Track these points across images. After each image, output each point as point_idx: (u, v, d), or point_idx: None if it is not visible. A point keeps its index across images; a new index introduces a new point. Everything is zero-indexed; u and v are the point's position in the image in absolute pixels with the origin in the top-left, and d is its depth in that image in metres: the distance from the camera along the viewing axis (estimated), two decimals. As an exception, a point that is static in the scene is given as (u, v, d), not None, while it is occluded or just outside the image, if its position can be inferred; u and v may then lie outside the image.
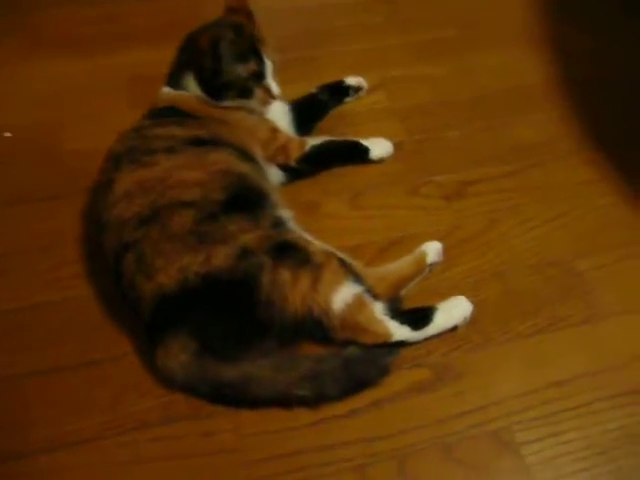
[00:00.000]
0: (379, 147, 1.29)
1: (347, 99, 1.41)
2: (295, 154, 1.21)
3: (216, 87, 1.15)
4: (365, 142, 1.28)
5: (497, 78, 1.51)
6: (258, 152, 1.17)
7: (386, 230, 1.18)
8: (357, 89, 1.42)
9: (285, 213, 1.07)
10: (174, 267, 0.92)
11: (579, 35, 1.64)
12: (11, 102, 1.43)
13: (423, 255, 1.08)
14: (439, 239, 1.13)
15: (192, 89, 1.17)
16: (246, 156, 1.12)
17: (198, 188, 0.99)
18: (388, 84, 1.48)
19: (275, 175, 1.21)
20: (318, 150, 1.23)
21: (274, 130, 1.22)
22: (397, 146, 1.31)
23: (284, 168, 1.22)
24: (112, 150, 1.09)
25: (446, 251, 1.12)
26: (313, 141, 1.24)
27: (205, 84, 1.15)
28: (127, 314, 0.99)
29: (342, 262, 1.00)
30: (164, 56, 1.23)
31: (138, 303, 0.94)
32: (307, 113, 1.34)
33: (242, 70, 1.14)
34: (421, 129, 1.37)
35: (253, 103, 1.18)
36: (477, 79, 1.52)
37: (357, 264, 1.03)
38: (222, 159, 1.05)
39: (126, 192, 0.99)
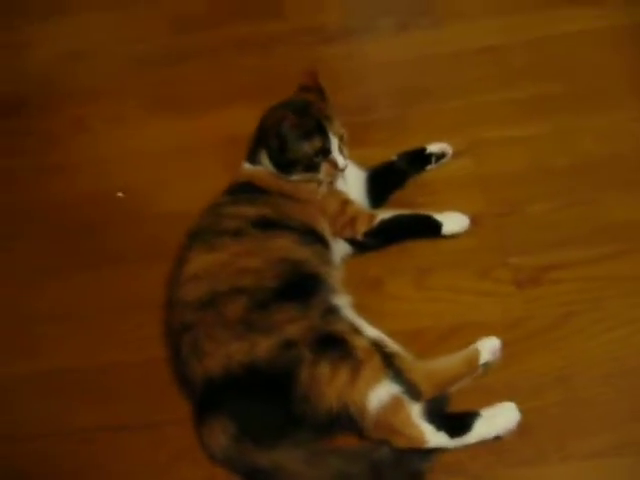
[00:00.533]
0: (453, 222, 1.25)
1: (429, 167, 1.38)
2: (362, 228, 1.22)
3: (284, 163, 1.21)
4: (438, 216, 1.25)
5: (604, 143, 1.38)
6: (326, 227, 1.21)
7: (449, 316, 1.15)
8: (440, 156, 1.38)
9: (340, 299, 1.09)
10: (221, 353, 0.98)
11: None
12: (128, 161, 1.60)
13: (476, 354, 1.03)
14: (503, 330, 1.08)
15: (266, 165, 1.24)
16: (311, 237, 1.16)
17: (254, 275, 1.05)
18: (478, 147, 1.42)
19: (341, 248, 1.24)
20: (387, 225, 1.23)
21: (344, 202, 1.24)
22: (474, 220, 1.26)
23: (351, 241, 1.24)
24: (192, 227, 1.20)
25: (508, 345, 1.07)
26: (383, 214, 1.25)
27: (274, 160, 1.22)
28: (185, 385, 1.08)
29: (386, 357, 1.00)
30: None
31: (190, 381, 1.02)
32: (384, 182, 1.34)
33: (307, 147, 1.19)
34: (503, 201, 1.30)
35: (321, 176, 1.21)
36: (581, 143, 1.39)
37: (406, 356, 1.02)
38: (283, 245, 1.10)
39: (194, 275, 1.08)
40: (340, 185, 1.26)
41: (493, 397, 0.99)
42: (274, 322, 1.00)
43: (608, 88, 1.50)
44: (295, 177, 1.22)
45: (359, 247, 1.24)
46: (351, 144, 1.29)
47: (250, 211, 1.16)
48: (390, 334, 1.07)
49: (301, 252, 1.11)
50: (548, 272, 1.17)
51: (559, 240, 1.22)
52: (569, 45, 1.63)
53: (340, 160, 1.20)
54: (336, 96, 1.33)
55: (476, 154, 1.41)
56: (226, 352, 0.98)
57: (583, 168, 1.34)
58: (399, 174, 1.36)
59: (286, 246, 1.10)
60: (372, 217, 1.24)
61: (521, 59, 1.63)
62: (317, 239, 1.17)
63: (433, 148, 1.38)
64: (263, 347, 0.97)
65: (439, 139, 1.41)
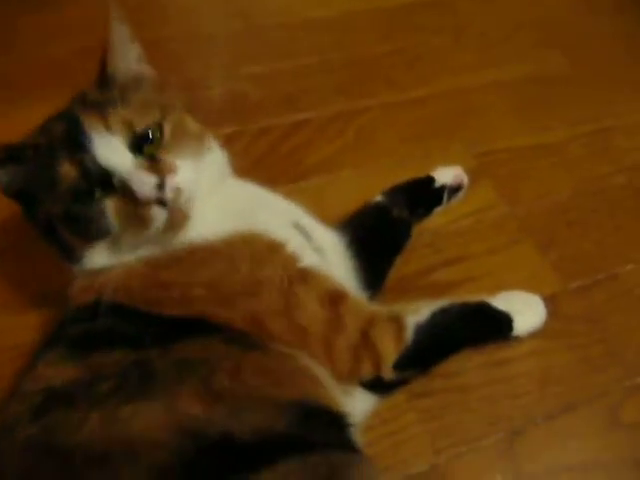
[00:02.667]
0: (527, 313, 0.67)
1: (438, 209, 0.78)
2: (392, 351, 0.56)
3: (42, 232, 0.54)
4: (499, 304, 0.65)
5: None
6: (322, 376, 0.53)
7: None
8: (454, 190, 0.78)
9: None
10: None
11: None
12: None
13: None
14: None
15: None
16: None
17: None
18: (491, 167, 0.85)
19: (359, 406, 0.57)
20: (428, 333, 0.58)
21: (333, 298, 0.56)
22: (549, 303, 0.69)
23: (373, 385, 0.57)
24: None
25: None
26: (411, 314, 0.59)
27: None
28: None
29: None
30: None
31: None
32: (377, 245, 0.69)
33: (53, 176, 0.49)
34: (576, 262, 0.76)
35: (116, 229, 0.51)
36: (616, 146, 0.91)
37: None
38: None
39: None
40: (308, 255, 0.57)
41: None
42: None
43: (614, 64, 1.05)
44: (93, 261, 0.52)
45: (383, 390, 0.59)
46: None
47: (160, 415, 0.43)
48: None
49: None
50: None
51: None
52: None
53: (139, 178, 0.49)
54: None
55: (495, 179, 0.85)
56: None
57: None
58: (397, 226, 0.73)
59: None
60: (399, 323, 0.58)
61: (490, 18, 1.11)
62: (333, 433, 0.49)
63: (444, 177, 0.77)
64: None
65: (419, 158, 0.83)
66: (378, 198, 0.74)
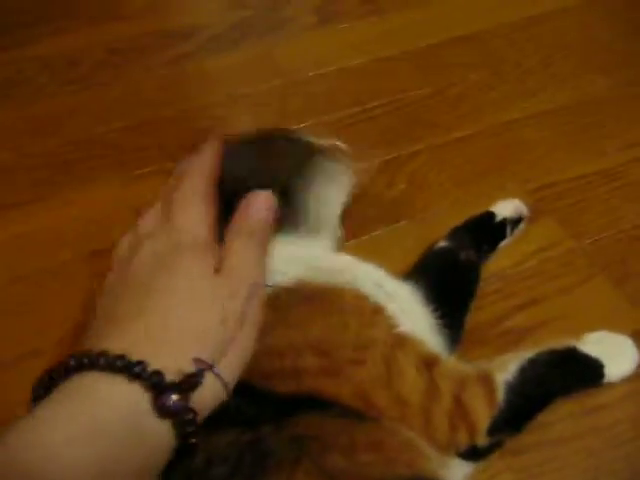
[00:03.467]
0: (619, 356, 0.63)
1: (503, 243, 0.75)
2: (485, 417, 0.53)
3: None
4: (587, 348, 0.61)
5: None
6: (425, 448, 0.50)
7: None
8: (516, 222, 0.76)
9: None
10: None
11: None
12: None
13: None
14: None
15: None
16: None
17: None
18: (548, 200, 0.84)
19: (455, 474, 0.53)
20: (519, 389, 0.55)
21: (426, 361, 0.53)
22: (634, 341, 0.66)
23: (466, 453, 0.53)
24: None
25: None
26: (500, 372, 0.56)
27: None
28: None
29: None
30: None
31: None
32: (450, 294, 0.67)
33: None
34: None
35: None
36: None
37: None
38: None
39: None
40: (402, 319, 0.55)
41: None
42: None
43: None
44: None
45: (477, 456, 0.55)
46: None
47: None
48: None
49: None
50: None
51: None
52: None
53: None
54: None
55: (555, 213, 0.82)
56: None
57: None
58: (468, 270, 0.71)
59: None
60: (490, 383, 0.55)
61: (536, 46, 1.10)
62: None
63: (504, 210, 0.75)
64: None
65: (474, 200, 0.81)
66: (442, 243, 0.72)
